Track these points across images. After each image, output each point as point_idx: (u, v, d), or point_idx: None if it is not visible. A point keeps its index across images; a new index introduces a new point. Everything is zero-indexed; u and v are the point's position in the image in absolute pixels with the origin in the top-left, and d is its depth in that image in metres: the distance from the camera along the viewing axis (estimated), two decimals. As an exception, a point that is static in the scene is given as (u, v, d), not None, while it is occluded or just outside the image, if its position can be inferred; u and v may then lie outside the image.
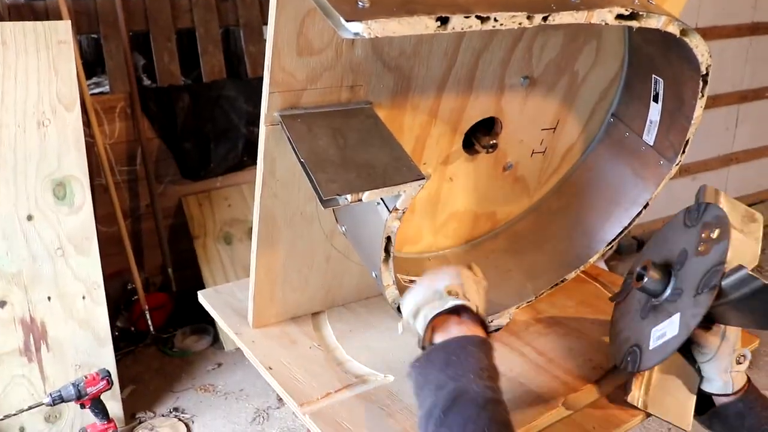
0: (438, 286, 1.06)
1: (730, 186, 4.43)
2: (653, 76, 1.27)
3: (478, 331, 1.03)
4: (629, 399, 1.24)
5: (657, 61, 1.26)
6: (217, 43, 3.33)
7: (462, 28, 0.86)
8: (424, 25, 0.83)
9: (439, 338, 1.03)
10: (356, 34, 0.79)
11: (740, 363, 1.17)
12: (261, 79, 1.06)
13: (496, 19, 0.87)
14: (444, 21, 0.84)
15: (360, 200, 0.98)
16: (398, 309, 1.20)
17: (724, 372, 1.18)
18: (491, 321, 1.37)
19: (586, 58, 1.33)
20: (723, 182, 4.39)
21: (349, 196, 0.96)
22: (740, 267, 1.06)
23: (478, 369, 0.95)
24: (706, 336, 1.18)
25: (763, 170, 4.55)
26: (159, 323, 3.27)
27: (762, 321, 1.09)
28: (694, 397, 1.22)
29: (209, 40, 3.31)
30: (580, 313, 1.53)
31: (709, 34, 3.83)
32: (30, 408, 2.17)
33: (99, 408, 2.19)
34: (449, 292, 1.05)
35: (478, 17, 0.86)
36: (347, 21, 0.79)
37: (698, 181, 4.21)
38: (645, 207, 1.37)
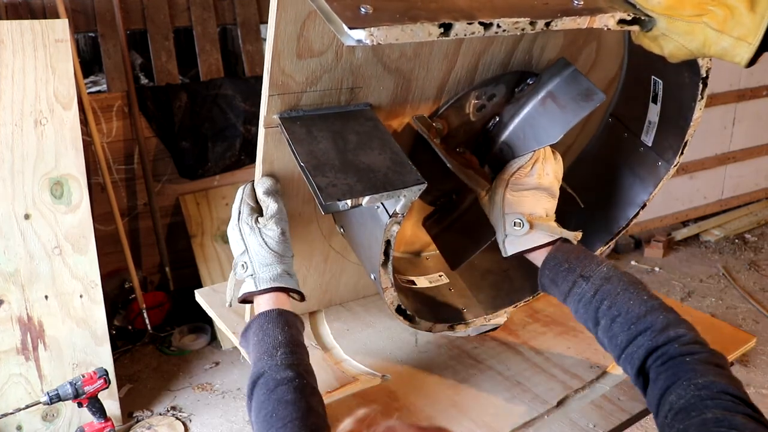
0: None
1: (727, 185, 4.43)
2: (652, 77, 1.27)
3: (282, 302, 1.10)
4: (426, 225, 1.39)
5: (656, 62, 1.25)
6: (214, 41, 3.33)
7: (465, 35, 0.85)
8: (427, 32, 0.82)
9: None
10: (359, 41, 0.78)
11: (517, 227, 1.18)
12: (258, 77, 1.06)
13: (499, 26, 0.86)
14: (447, 27, 0.83)
15: (360, 205, 0.98)
16: (396, 311, 1.21)
17: (500, 233, 1.21)
18: (489, 320, 1.38)
19: (585, 59, 1.33)
20: (720, 181, 4.39)
21: (349, 201, 0.96)
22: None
23: (272, 348, 1.03)
24: (482, 197, 1.25)
25: (760, 169, 4.55)
26: (156, 322, 3.27)
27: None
28: (477, 251, 1.31)
29: (206, 39, 3.31)
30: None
31: (705, 33, 3.82)
32: (27, 407, 2.17)
33: (96, 407, 2.19)
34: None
35: (481, 23, 0.85)
36: (350, 28, 0.78)
37: (696, 180, 4.22)
38: (642, 207, 1.37)
